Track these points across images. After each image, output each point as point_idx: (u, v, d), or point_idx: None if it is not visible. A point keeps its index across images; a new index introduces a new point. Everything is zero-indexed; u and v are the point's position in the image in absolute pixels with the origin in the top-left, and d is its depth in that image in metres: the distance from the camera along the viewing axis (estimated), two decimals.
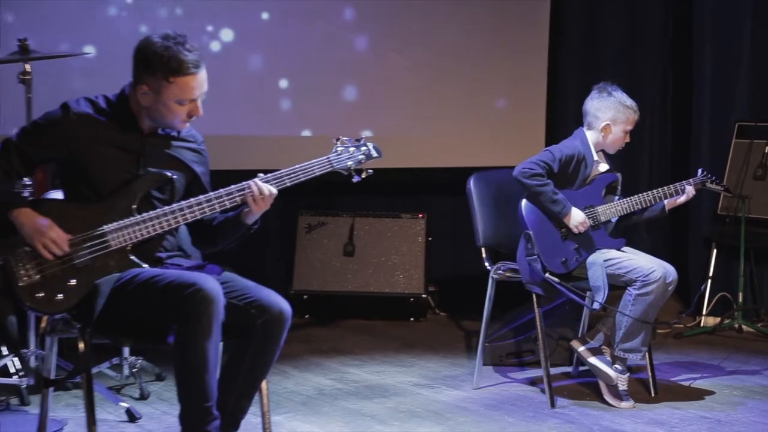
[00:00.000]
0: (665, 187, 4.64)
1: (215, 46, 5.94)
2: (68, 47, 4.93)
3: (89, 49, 5.44)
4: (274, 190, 3.37)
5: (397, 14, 6.36)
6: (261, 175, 3.40)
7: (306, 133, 6.22)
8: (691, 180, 4.70)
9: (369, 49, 6.33)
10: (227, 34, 5.96)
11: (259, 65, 6.09)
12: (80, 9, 5.53)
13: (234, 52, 5.98)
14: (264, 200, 3.36)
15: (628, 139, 4.67)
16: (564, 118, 6.59)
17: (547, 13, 6.67)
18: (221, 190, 3.36)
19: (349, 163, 3.46)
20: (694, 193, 4.66)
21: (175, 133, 3.47)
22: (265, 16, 6.08)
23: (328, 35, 6.21)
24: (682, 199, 4.65)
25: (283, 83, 6.15)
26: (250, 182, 3.36)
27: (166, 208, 3.34)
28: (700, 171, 4.79)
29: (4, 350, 4.51)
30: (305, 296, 6.21)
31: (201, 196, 3.36)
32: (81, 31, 5.46)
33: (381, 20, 6.34)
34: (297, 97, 6.18)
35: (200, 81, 3.36)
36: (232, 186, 3.37)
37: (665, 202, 4.65)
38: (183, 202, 3.35)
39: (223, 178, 3.46)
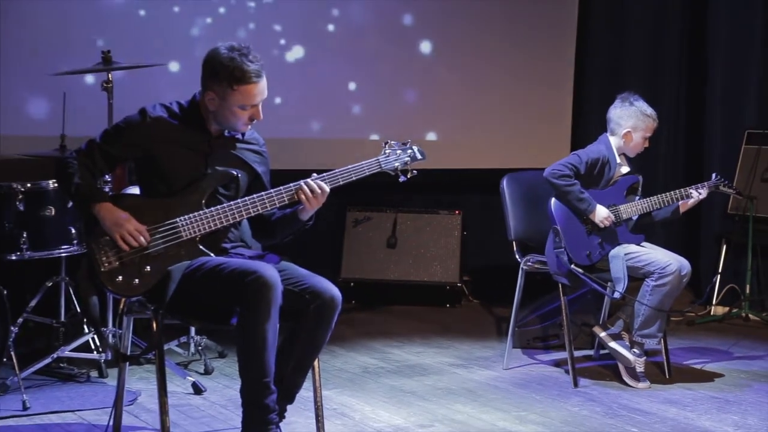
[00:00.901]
0: (682, 189, 4.61)
1: (289, 56, 5.98)
2: (154, 61, 5.07)
3: (174, 65, 5.51)
4: (326, 188, 3.36)
5: (445, 26, 6.37)
6: (314, 174, 3.39)
7: (374, 136, 6.23)
8: (706, 183, 4.66)
9: (421, 59, 6.34)
10: (297, 49, 5.99)
11: (328, 74, 6.11)
12: (166, 30, 5.60)
13: (305, 62, 6.01)
14: (316, 198, 3.35)
15: (647, 144, 4.64)
16: (588, 124, 6.55)
17: (573, 31, 6.65)
18: (281, 187, 3.37)
19: (396, 164, 3.45)
20: (705, 195, 4.62)
21: (239, 136, 3.48)
22: (330, 27, 6.11)
23: (388, 44, 6.24)
24: (692, 201, 4.61)
25: (352, 86, 6.18)
26: (302, 181, 3.36)
27: (231, 203, 3.35)
28: (714, 175, 4.74)
29: (86, 328, 4.56)
30: (352, 284, 6.22)
31: (262, 193, 3.36)
32: (167, 49, 5.50)
33: (432, 30, 6.35)
34: (365, 103, 6.21)
35: (261, 89, 3.36)
36: (290, 184, 3.37)
37: (679, 203, 4.61)
38: (246, 198, 3.35)
39: (298, 177, 3.45)
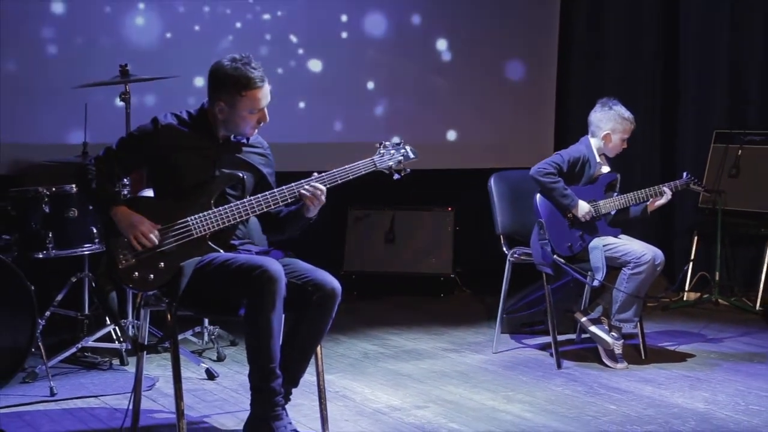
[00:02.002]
0: (656, 186, 4.58)
1: (312, 66, 5.98)
2: (182, 78, 5.10)
3: (199, 80, 5.52)
4: (323, 188, 3.32)
5: (439, 31, 6.35)
6: (315, 174, 3.37)
7: (395, 139, 6.21)
8: (677, 181, 4.64)
9: (414, 65, 6.30)
10: (315, 63, 5.99)
11: (349, 80, 6.09)
12: (193, 48, 5.59)
13: (326, 71, 6.00)
14: (317, 197, 3.32)
15: (625, 146, 4.61)
16: (569, 127, 6.54)
17: (555, 43, 6.64)
18: (283, 187, 3.34)
19: (390, 163, 3.43)
20: (670, 196, 4.58)
21: (244, 140, 3.46)
22: (344, 35, 6.10)
23: (404, 50, 6.26)
24: (659, 202, 4.57)
25: (370, 84, 6.18)
26: (303, 182, 3.33)
27: (238, 202, 3.33)
28: (684, 174, 4.72)
29: (108, 320, 4.54)
30: (353, 276, 6.19)
31: (266, 192, 3.34)
32: (194, 66, 5.48)
33: (428, 36, 6.32)
34: (386, 109, 6.21)
35: (266, 92, 3.34)
36: (291, 183, 3.34)
37: (647, 203, 4.58)
38: (252, 197, 3.33)
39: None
